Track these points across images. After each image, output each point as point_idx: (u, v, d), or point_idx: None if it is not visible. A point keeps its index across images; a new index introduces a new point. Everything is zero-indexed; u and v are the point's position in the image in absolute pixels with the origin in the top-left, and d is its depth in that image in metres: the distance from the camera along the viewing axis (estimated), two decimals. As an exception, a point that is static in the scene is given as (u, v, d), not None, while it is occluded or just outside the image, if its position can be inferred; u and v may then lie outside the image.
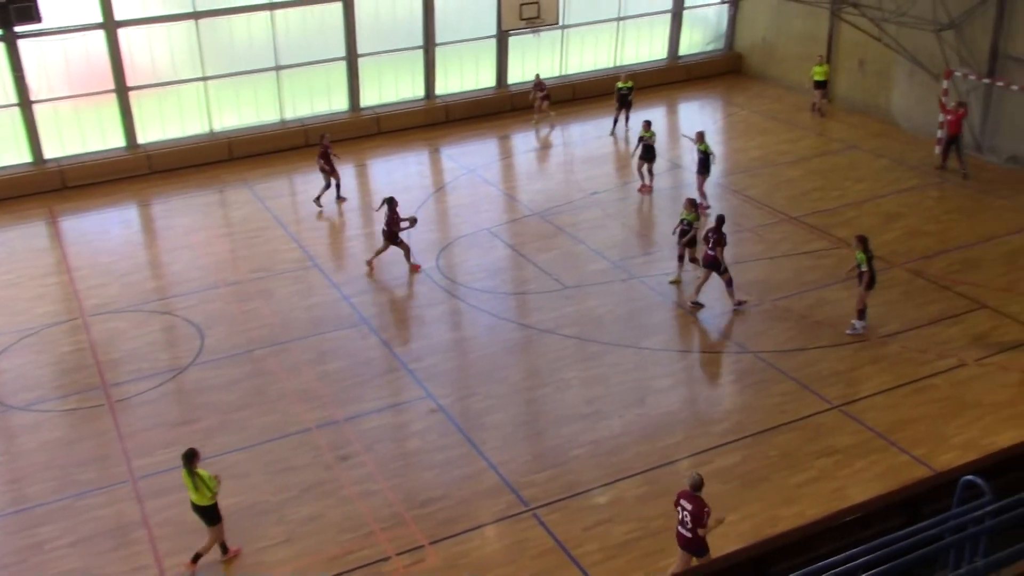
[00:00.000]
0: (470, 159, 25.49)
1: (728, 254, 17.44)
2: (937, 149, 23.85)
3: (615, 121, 26.76)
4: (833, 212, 21.47)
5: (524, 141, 27.16)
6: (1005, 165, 23.53)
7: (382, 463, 13.87)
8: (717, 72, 31.85)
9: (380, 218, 19.31)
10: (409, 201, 22.24)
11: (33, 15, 22.55)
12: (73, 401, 15.65)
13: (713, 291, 17.66)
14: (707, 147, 21.42)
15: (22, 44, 23.28)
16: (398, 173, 25.05)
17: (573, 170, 24.61)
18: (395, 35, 27.53)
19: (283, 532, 12.60)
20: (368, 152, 25.98)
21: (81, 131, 24.74)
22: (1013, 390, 15.03)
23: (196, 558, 12.05)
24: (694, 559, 11.04)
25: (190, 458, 11.74)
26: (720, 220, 17.37)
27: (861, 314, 16.64)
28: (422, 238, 20.16)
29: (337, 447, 14.23)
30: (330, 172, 22.46)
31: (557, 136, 27.25)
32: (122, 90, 24.66)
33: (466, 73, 28.94)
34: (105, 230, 22.16)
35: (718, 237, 17.10)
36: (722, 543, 11.33)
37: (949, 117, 22.76)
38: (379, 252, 19.33)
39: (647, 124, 22.70)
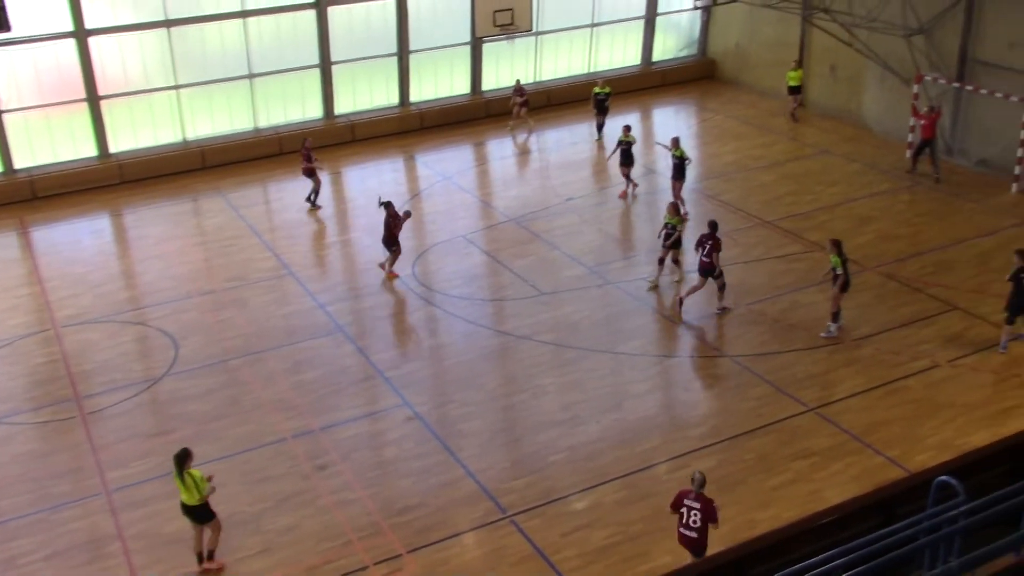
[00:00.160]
0: (445, 166, 25.47)
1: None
2: (908, 153, 24.09)
3: (599, 127, 26.79)
4: (806, 216, 21.62)
5: (499, 147, 27.18)
6: (975, 168, 23.79)
7: (359, 472, 13.81)
8: (691, 78, 32.03)
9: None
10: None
11: (2, 24, 22.26)
12: (46, 413, 15.48)
13: (693, 295, 17.70)
14: (683, 152, 21.51)
15: (-9, 53, 23.11)
16: (373, 180, 24.99)
17: (548, 176, 24.65)
18: (369, 42, 27.47)
19: (261, 542, 12.51)
20: (343, 159, 25.90)
21: (52, 140, 24.51)
22: (985, 390, 15.19)
23: (210, 555, 12.08)
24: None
25: (182, 459, 11.69)
26: (714, 226, 17.41)
27: (835, 316, 16.77)
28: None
29: (314, 456, 14.16)
30: (313, 174, 22.51)
31: (533, 142, 27.30)
32: (93, 99, 24.47)
33: (440, 80, 28.94)
34: (77, 240, 21.96)
35: (713, 243, 17.15)
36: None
37: (922, 122, 22.98)
38: (392, 259, 19.33)
39: (627, 128, 22.78)
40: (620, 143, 22.66)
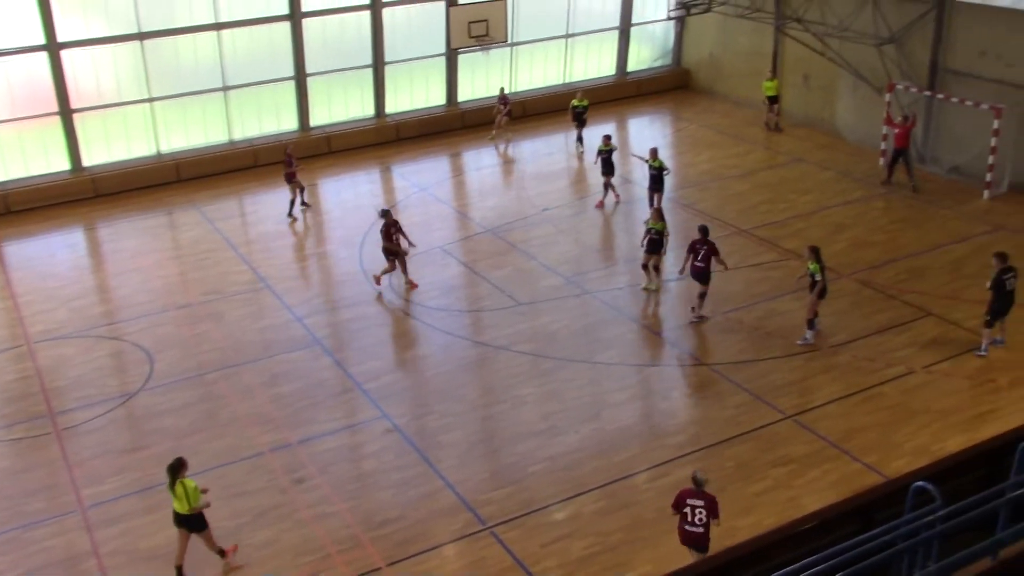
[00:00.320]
0: (421, 177, 25.45)
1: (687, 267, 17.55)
2: (882, 162, 24.30)
3: (579, 138, 26.86)
4: (782, 224, 21.75)
5: (475, 158, 27.20)
6: (947, 176, 24.02)
7: (338, 485, 13.73)
8: (666, 88, 32.21)
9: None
10: (361, 220, 22.26)
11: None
12: (19, 430, 15.30)
13: (668, 303, 17.78)
14: (661, 163, 21.61)
15: (-38, 67, 22.91)
16: (349, 192, 24.95)
17: (525, 187, 24.68)
18: (344, 54, 27.44)
19: (239, 557, 12.39)
20: (319, 171, 25.81)
21: (24, 154, 24.29)
22: (960, 396, 15.31)
23: (220, 553, 12.12)
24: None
25: (176, 469, 11.66)
26: (704, 230, 17.44)
27: (811, 323, 16.85)
28: (375, 256, 20.04)
29: (292, 470, 14.07)
30: (295, 182, 22.51)
31: (510, 153, 27.33)
32: (66, 112, 24.28)
33: (416, 91, 28.94)
34: (51, 255, 21.76)
35: (709, 247, 17.18)
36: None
37: (896, 131, 23.18)
38: (404, 269, 19.21)
39: (607, 138, 22.86)
40: (600, 152, 22.75)
